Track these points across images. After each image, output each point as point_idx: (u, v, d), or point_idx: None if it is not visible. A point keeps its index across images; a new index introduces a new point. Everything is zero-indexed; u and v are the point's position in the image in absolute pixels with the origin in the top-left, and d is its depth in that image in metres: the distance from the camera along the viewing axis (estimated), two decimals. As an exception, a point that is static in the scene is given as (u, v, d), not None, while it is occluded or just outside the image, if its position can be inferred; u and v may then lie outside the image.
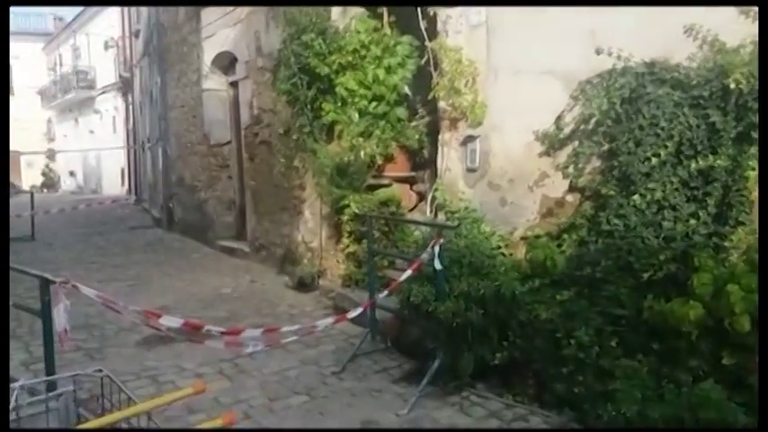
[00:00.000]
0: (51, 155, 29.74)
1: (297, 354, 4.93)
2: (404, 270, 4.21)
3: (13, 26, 32.45)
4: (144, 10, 13.70)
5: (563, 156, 4.35)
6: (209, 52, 9.47)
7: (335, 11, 6.33)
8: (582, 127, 4.24)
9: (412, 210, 6.58)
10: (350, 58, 6.05)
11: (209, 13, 9.21)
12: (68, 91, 25.94)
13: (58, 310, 3.11)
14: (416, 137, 6.28)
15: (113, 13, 20.50)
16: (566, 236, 4.25)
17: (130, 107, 17.79)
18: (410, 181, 6.67)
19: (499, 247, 4.70)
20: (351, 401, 4.06)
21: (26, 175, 30.55)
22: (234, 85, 9.31)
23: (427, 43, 5.09)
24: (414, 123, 6.41)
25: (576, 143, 4.26)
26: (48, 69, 30.18)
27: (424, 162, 6.78)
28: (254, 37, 7.98)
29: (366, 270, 6.07)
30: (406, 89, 6.14)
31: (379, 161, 6.18)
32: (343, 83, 6.11)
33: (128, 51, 17.18)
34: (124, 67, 18.30)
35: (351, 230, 6.22)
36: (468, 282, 4.06)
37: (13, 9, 32.79)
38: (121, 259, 9.09)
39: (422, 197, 6.86)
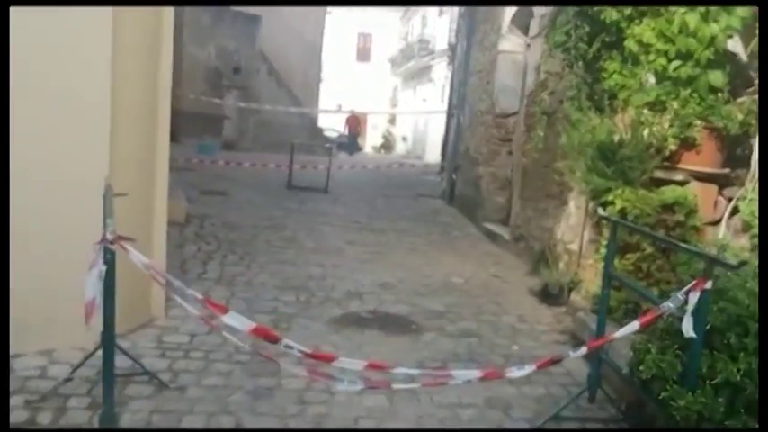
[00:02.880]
0: (392, 119, 32.28)
1: (488, 385, 3.67)
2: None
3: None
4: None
5: None
6: (512, 6, 8.33)
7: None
8: None
9: (716, 223, 4.58)
10: (652, -1, 4.32)
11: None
12: (411, 59, 27.49)
13: (91, 275, 2.46)
14: (739, 117, 4.26)
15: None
16: None
17: (451, 75, 17.74)
18: (719, 181, 4.63)
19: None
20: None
21: (370, 136, 33.92)
22: (530, 46, 8.03)
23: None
24: (740, 99, 4.37)
25: None
26: (400, 39, 32.60)
27: (745, 156, 4.66)
28: (555, -16, 6.56)
29: (625, 296, 4.43)
30: (732, 46, 4.14)
31: (673, 147, 4.36)
32: (637, 34, 4.41)
33: (456, 17, 17.02)
34: (455, 34, 18.27)
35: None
36: (748, 362, 2.29)
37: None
38: (385, 224, 8.76)
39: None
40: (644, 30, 4.36)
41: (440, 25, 23.35)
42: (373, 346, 4.24)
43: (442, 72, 23.38)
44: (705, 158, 4.47)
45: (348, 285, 5.53)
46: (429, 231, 8.47)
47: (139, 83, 3.93)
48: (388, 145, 33.66)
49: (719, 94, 4.25)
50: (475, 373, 2.66)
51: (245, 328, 2.43)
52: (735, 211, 3.36)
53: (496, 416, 3.43)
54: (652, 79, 4.52)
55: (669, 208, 4.33)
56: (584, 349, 2.55)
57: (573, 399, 3.31)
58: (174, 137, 6.40)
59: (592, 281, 5.34)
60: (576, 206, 5.74)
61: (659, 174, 4.55)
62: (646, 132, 4.28)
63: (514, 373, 2.58)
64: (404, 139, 31.57)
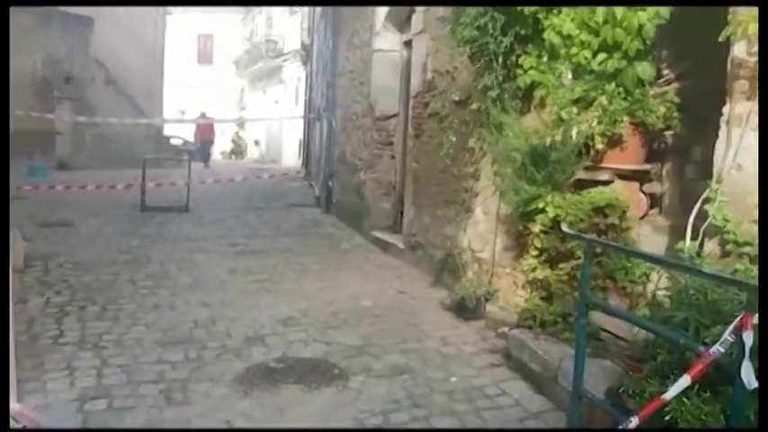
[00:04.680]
0: (241, 123, 30.83)
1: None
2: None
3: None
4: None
5: None
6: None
7: None
8: None
9: (640, 220, 4.40)
10: (571, -13, 3.99)
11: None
12: (258, 60, 26.36)
13: None
14: (662, 111, 4.06)
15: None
16: None
17: (308, 75, 17.06)
18: (640, 178, 4.45)
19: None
20: None
21: (218, 142, 32.10)
22: (408, 44, 7.60)
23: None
24: (656, 90, 4.19)
25: None
26: (244, 39, 31.22)
27: (663, 150, 4.53)
28: (438, -23, 6.15)
29: (560, 308, 4.08)
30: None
31: (599, 145, 4.06)
32: (557, 25, 4.05)
33: (310, 16, 16.37)
34: (307, 33, 17.60)
35: (542, 247, 4.20)
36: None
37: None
38: (265, 243, 7.90)
39: (654, 203, 4.63)
40: (564, 20, 4.01)
41: (290, 25, 22.52)
42: (296, 408, 3.48)
43: (294, 73, 22.62)
44: (629, 155, 4.24)
45: (244, 328, 4.68)
46: (316, 247, 7.76)
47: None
48: (238, 150, 32.14)
49: (645, 87, 4.01)
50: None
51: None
52: (701, 216, 3.06)
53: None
54: (569, 75, 4.20)
55: (601, 211, 4.04)
56: (635, 421, 2.03)
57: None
58: None
59: (510, 290, 5.00)
60: (483, 212, 5.37)
61: (582, 174, 4.25)
62: (574, 132, 3.93)
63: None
64: (256, 142, 30.31)
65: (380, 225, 8.06)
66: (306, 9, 17.95)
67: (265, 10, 27.59)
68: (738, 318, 1.94)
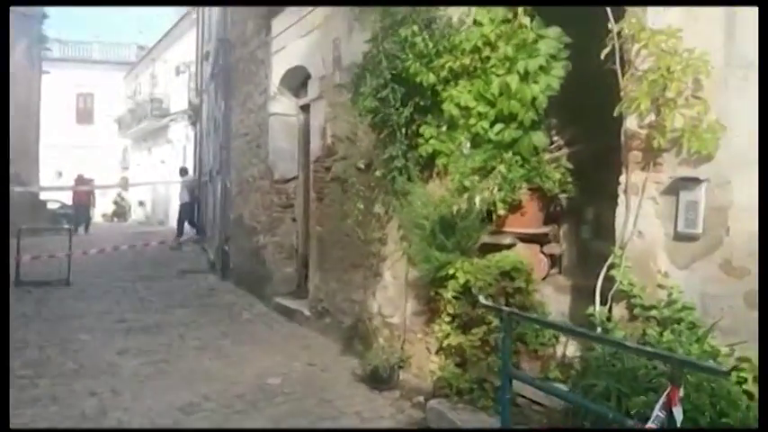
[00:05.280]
0: (123, 184, 29.37)
1: None
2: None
3: (97, 56, 33.09)
4: (215, 28, 12.42)
5: None
6: (279, 69, 7.83)
7: (447, -4, 4.44)
8: None
9: (542, 280, 4.54)
10: (466, 62, 4.15)
11: (281, 22, 7.59)
12: (143, 119, 25.45)
13: None
14: (557, 176, 4.27)
15: (191, 38, 19.65)
16: None
17: (197, 136, 16.63)
18: (540, 240, 4.63)
19: (743, 382, 2.58)
20: None
21: (100, 203, 30.29)
22: (305, 108, 7.60)
23: (612, 26, 3.08)
24: (549, 156, 4.40)
25: None
26: (126, 98, 30.11)
27: (559, 212, 4.75)
28: (333, 46, 6.23)
29: (476, 375, 4.07)
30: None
31: (501, 211, 4.18)
32: (454, 96, 4.19)
33: (199, 77, 16.06)
34: (195, 93, 17.24)
35: (455, 313, 4.21)
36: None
37: (97, 38, 33.46)
38: (158, 317, 7.40)
39: (554, 263, 4.82)
40: (461, 92, 4.16)
41: (177, 84, 21.99)
42: None
43: (182, 132, 21.98)
44: (529, 219, 4.40)
45: (139, 419, 4.27)
46: (214, 318, 7.36)
47: None
48: (121, 212, 30.44)
49: (540, 155, 4.20)
50: None
51: None
52: (608, 281, 3.19)
53: None
54: (467, 144, 4.32)
55: (507, 274, 4.12)
56: None
57: None
58: None
59: (423, 356, 4.95)
60: (392, 277, 5.34)
61: (487, 239, 4.35)
62: (478, 199, 4.03)
63: None
64: (141, 203, 28.92)
65: (284, 291, 7.83)
66: (193, 69, 17.66)
67: (149, 69, 26.87)
68: (666, 393, 1.98)
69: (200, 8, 15.85)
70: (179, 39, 22.93)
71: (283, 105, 8.04)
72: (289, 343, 6.26)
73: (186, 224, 15.63)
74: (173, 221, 23.48)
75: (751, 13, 2.64)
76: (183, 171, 16.86)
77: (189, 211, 15.70)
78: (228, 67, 10.11)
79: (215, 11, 12.75)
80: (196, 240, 15.58)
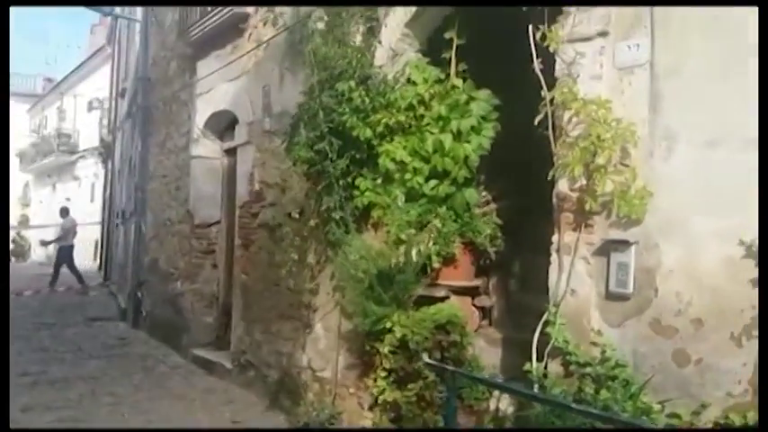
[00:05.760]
0: (23, 220, 27.57)
1: None
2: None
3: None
4: (133, 66, 12.07)
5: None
6: (203, 112, 7.68)
7: (381, 55, 4.54)
8: None
9: (474, 332, 4.60)
10: (402, 118, 4.24)
11: (207, 65, 7.49)
12: (48, 154, 24.12)
13: None
14: (488, 231, 4.38)
15: (104, 73, 19.00)
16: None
17: (109, 174, 15.92)
18: (472, 292, 4.71)
19: (672, 436, 2.71)
20: None
21: (-6, 243, 28.19)
22: (230, 152, 7.46)
23: (545, 94, 3.25)
24: (478, 211, 4.53)
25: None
26: (30, 131, 28.50)
27: (488, 265, 4.86)
28: (263, 92, 6.19)
29: None
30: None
31: (436, 264, 4.24)
32: (390, 151, 4.25)
33: (112, 113, 15.48)
34: (107, 130, 16.58)
35: (391, 367, 4.18)
36: None
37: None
38: (65, 369, 6.89)
39: (485, 315, 4.91)
40: (397, 147, 4.23)
41: (88, 120, 21.08)
42: None
43: (91, 169, 21.04)
44: (462, 272, 4.48)
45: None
46: (128, 371, 6.93)
47: None
48: (20, 252, 28.44)
49: (472, 210, 4.31)
50: None
51: None
52: (543, 338, 3.27)
53: None
54: (401, 198, 4.38)
55: (442, 327, 4.15)
56: None
57: None
58: None
59: (356, 412, 4.86)
60: (324, 328, 5.24)
61: (422, 291, 4.37)
62: (414, 252, 4.07)
63: None
64: (42, 243, 27.14)
65: (202, 341, 7.50)
66: (106, 105, 17.04)
67: (57, 102, 25.66)
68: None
69: (116, 44, 15.42)
70: (92, 73, 22.13)
71: (207, 148, 7.86)
72: (210, 398, 5.97)
73: (65, 269, 14.10)
74: (77, 262, 22.21)
75: (672, 90, 2.86)
76: (64, 211, 15.40)
77: (68, 256, 14.30)
78: (148, 107, 9.80)
79: (132, 48, 12.43)
80: (103, 285, 14.78)
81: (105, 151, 16.92)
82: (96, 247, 20.04)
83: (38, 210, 28.12)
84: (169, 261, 8.65)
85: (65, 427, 5.08)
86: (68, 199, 24.00)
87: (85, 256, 21.46)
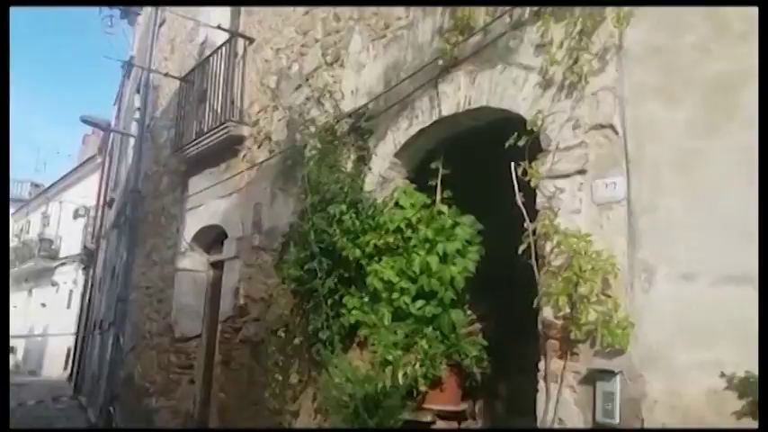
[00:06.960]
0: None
1: None
2: None
3: (-14, 190, 31.42)
4: (123, 178, 12.33)
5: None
6: (193, 226, 7.82)
7: (371, 180, 4.77)
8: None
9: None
10: (390, 240, 4.37)
11: (199, 181, 7.72)
12: (28, 259, 23.89)
13: None
14: (474, 353, 4.40)
15: (92, 182, 19.31)
16: None
17: (90, 283, 15.74)
18: (458, 416, 4.63)
19: None
20: None
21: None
22: (216, 265, 7.53)
23: (528, 225, 3.41)
24: (465, 330, 4.56)
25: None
26: (13, 236, 28.35)
27: (474, 387, 4.82)
28: (254, 210, 6.37)
29: None
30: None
31: (423, 387, 4.21)
32: (378, 271, 4.35)
33: (98, 222, 15.56)
34: (91, 238, 16.59)
35: (375, 499, 4.03)
36: None
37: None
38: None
39: (471, 442, 4.80)
40: (385, 267, 4.33)
41: (71, 227, 21.13)
42: None
43: (70, 276, 20.80)
44: (448, 396, 4.42)
45: None
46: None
47: None
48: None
49: (458, 332, 4.35)
50: None
51: None
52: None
53: None
54: (388, 317, 4.42)
55: (428, 456, 4.07)
56: None
57: None
58: None
59: None
60: (305, 452, 5.08)
61: (407, 416, 4.31)
62: (401, 375, 4.05)
63: None
64: (12, 350, 26.21)
65: (175, 462, 7.17)
66: (92, 213, 17.17)
67: (42, 207, 25.80)
68: None
69: (107, 155, 15.78)
70: (80, 181, 22.44)
71: (193, 261, 7.92)
72: None
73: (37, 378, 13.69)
74: (47, 371, 21.43)
75: (649, 225, 3.03)
76: None
77: None
78: (136, 218, 9.93)
79: (124, 160, 12.75)
80: (72, 395, 14.20)
81: (87, 259, 16.83)
82: (68, 357, 19.41)
83: (11, 314, 27.40)
84: (146, 375, 8.42)
85: None
86: (44, 305, 23.55)
87: (56, 365, 20.77)
